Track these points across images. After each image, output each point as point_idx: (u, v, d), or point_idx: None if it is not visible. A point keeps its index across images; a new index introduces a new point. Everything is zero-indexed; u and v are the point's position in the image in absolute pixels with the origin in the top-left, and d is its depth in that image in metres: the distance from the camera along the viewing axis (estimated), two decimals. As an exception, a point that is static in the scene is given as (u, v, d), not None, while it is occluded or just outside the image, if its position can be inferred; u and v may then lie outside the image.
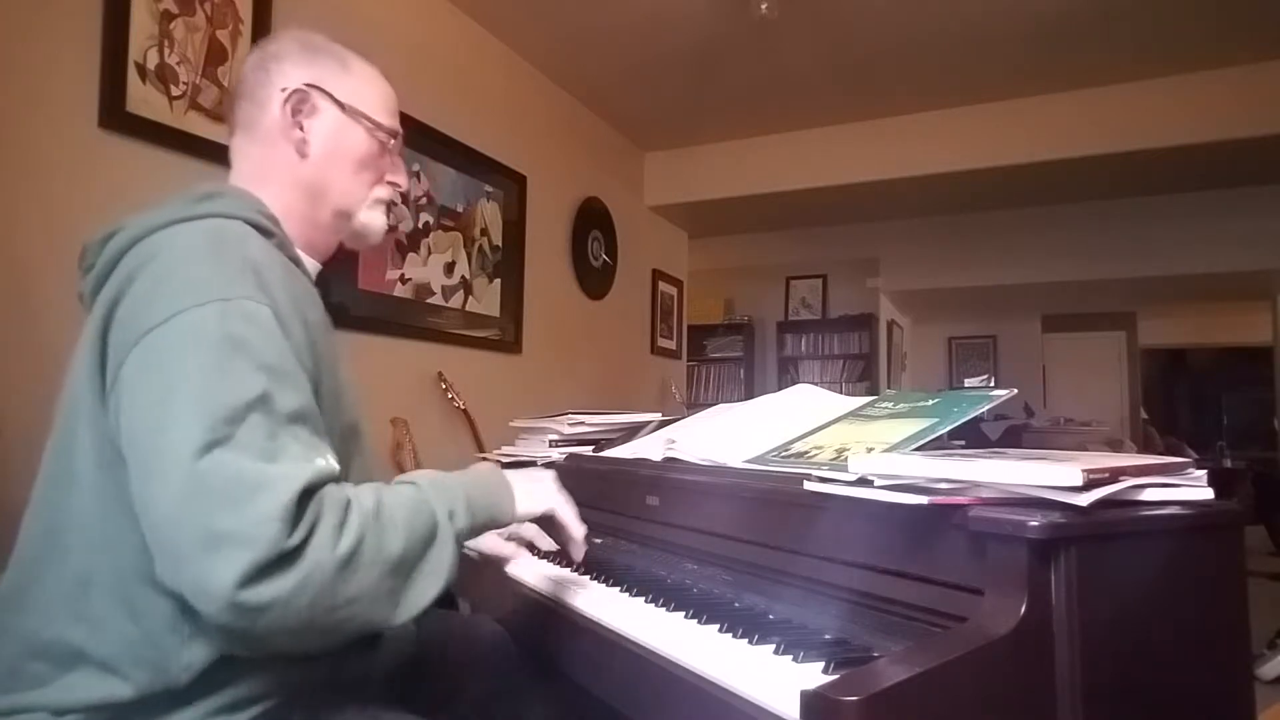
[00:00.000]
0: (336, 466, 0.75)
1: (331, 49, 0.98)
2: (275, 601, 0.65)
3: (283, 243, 0.88)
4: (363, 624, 0.72)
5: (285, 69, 0.94)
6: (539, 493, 0.94)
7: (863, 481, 0.82)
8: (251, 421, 0.69)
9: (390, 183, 1.01)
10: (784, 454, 1.11)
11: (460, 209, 2.88)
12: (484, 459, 2.60)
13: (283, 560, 0.65)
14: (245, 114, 0.95)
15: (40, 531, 0.79)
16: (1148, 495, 0.77)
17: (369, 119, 0.97)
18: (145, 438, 0.69)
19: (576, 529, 0.97)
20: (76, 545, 0.76)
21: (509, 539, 1.29)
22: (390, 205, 1.03)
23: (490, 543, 1.31)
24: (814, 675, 0.70)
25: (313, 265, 0.98)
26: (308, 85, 0.93)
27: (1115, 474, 0.74)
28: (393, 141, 1.00)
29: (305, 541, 0.67)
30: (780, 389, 1.45)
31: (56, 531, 0.78)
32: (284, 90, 0.92)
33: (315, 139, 0.94)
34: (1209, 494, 0.80)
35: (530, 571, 1.20)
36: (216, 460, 0.66)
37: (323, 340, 0.86)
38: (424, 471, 0.86)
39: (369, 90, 0.98)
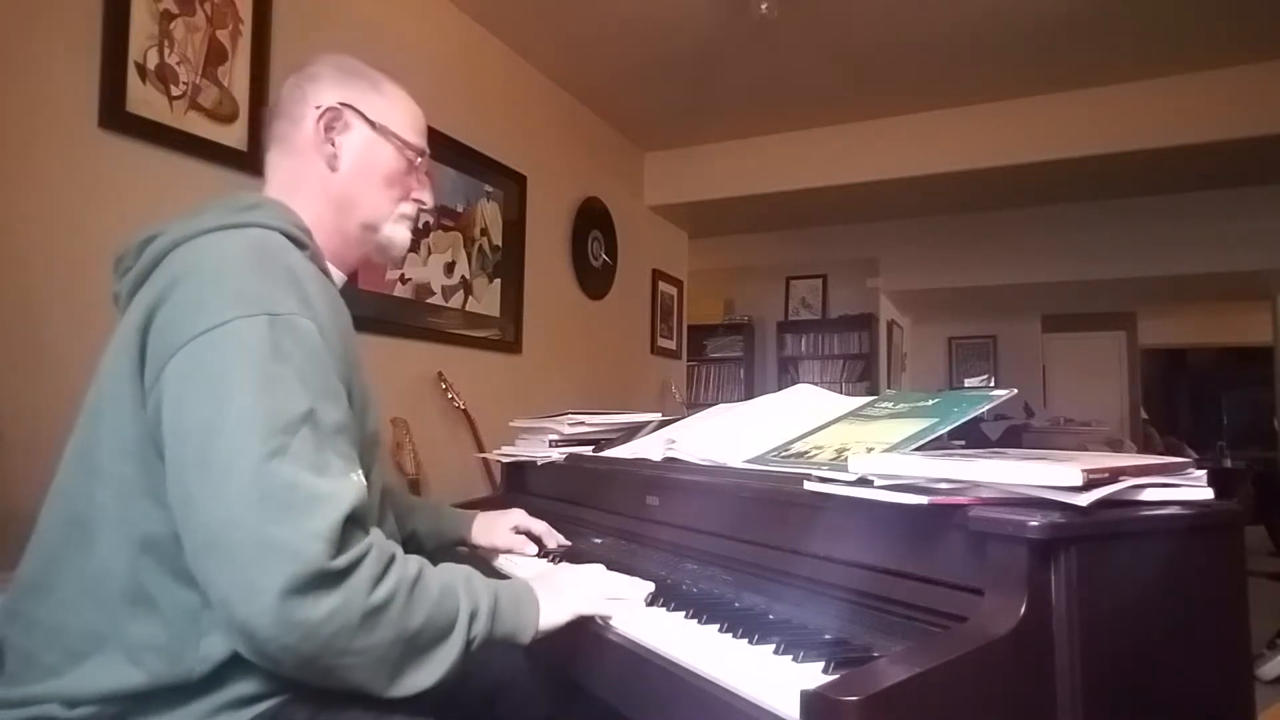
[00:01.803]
0: (364, 482, 0.79)
1: (366, 72, 1.03)
2: (306, 621, 0.67)
3: (315, 254, 0.91)
4: (357, 684, 0.73)
5: (320, 88, 0.98)
6: (560, 604, 0.92)
7: (863, 481, 0.82)
8: (303, 434, 0.73)
9: (416, 200, 1.05)
10: (784, 454, 1.11)
11: (460, 209, 2.88)
12: (484, 459, 2.61)
13: (323, 580, 0.69)
14: (280, 130, 0.99)
15: (61, 522, 0.81)
16: (1148, 495, 0.77)
17: (398, 137, 1.01)
18: (196, 439, 0.72)
19: (618, 610, 0.95)
20: (98, 536, 0.78)
21: (516, 531, 1.36)
22: (415, 221, 1.08)
23: (490, 539, 1.35)
24: (814, 675, 0.71)
25: (339, 277, 1.01)
26: (341, 104, 0.98)
27: (1115, 474, 0.74)
28: (420, 160, 1.05)
29: (347, 571, 0.71)
30: (780, 389, 1.45)
31: (78, 523, 0.79)
32: (318, 107, 0.97)
33: (346, 154, 0.98)
34: (1209, 494, 0.80)
35: (528, 570, 1.20)
36: (274, 469, 0.70)
37: (352, 351, 0.90)
38: (463, 567, 0.87)
39: (399, 111, 1.03)
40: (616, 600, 0.95)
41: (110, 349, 0.83)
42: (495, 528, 1.36)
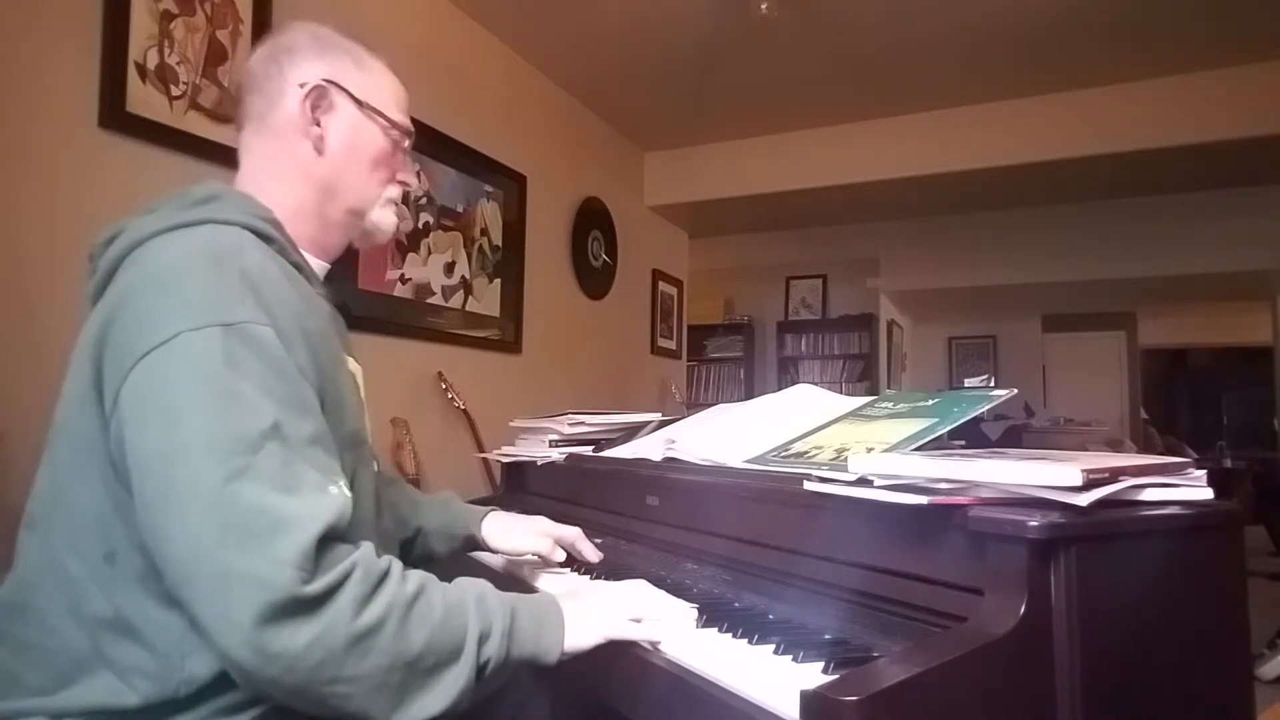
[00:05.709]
0: (349, 494, 0.74)
1: (343, 43, 0.96)
2: (286, 653, 0.64)
3: (284, 248, 0.85)
4: (355, 711, 0.68)
5: (299, 63, 0.91)
6: (588, 626, 0.83)
7: (863, 481, 0.82)
8: (267, 450, 0.68)
9: (401, 181, 1.00)
10: (784, 454, 1.11)
11: (460, 209, 2.88)
12: (484, 459, 2.61)
13: (298, 607, 0.64)
14: (254, 108, 0.91)
15: (36, 543, 0.78)
16: (1147, 495, 0.77)
17: (384, 117, 0.95)
18: (154, 467, 0.68)
19: (652, 635, 0.86)
20: (75, 559, 0.75)
21: (556, 541, 1.19)
22: (399, 204, 1.02)
23: (511, 541, 1.20)
24: (814, 675, 0.71)
25: (320, 265, 0.96)
26: (326, 81, 0.91)
27: (1115, 474, 0.74)
28: (406, 140, 0.99)
29: (326, 596, 0.66)
30: (780, 389, 1.45)
31: (51, 544, 0.77)
32: (302, 85, 0.90)
33: (332, 136, 0.91)
34: (1209, 494, 0.80)
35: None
36: (235, 493, 0.65)
37: (324, 350, 0.83)
38: (479, 582, 0.80)
39: (384, 88, 0.97)
40: (653, 623, 0.87)
41: (71, 365, 0.78)
42: (516, 529, 1.19)
